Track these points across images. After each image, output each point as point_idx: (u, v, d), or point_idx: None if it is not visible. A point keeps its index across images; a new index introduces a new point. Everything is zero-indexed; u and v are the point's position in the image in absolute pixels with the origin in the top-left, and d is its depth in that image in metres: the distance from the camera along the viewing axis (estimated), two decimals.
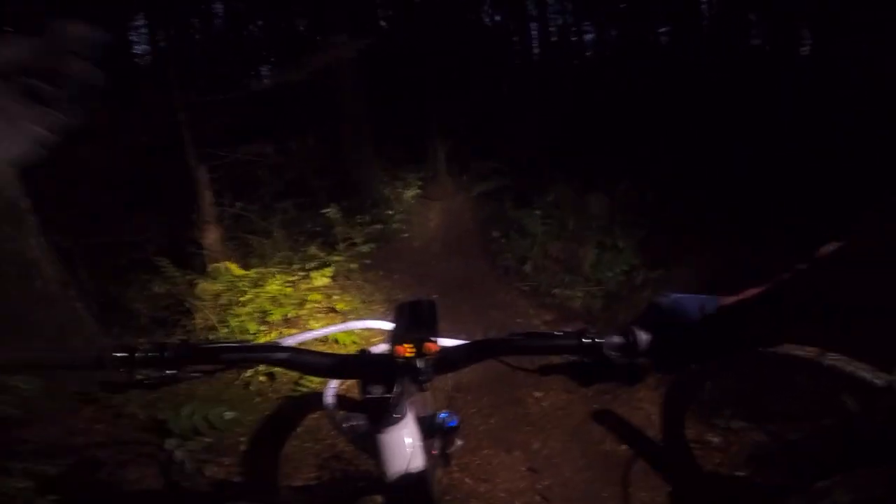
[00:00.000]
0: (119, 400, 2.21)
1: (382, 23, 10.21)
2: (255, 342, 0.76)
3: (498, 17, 11.65)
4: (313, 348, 0.79)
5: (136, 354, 0.68)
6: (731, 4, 8.76)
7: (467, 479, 2.20)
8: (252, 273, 4.02)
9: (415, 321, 0.77)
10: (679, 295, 0.69)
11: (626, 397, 2.70)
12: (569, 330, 0.71)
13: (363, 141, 6.02)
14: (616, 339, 0.67)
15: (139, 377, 0.68)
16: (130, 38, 8.04)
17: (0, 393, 1.78)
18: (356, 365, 0.73)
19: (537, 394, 2.87)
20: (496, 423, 2.62)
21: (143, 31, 8.14)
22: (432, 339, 0.71)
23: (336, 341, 3.50)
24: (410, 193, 5.85)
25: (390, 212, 5.54)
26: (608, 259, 4.76)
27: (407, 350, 0.69)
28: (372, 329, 1.02)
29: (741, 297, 0.65)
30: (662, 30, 10.49)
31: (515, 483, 2.16)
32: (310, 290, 4.20)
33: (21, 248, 2.70)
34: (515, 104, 7.77)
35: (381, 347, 0.83)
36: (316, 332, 1.04)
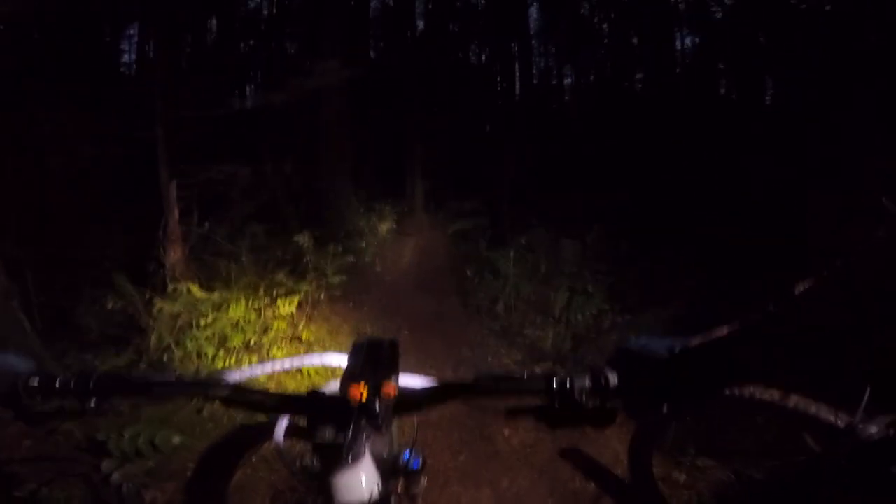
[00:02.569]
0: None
1: (372, 54, 10.49)
2: (194, 376, 0.70)
3: (484, 57, 12.19)
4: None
5: (58, 383, 0.61)
6: (702, 55, 9.38)
7: None
8: (214, 296, 3.86)
9: (372, 360, 0.71)
10: (647, 338, 0.68)
11: (595, 435, 2.65)
12: (537, 372, 0.69)
13: (342, 169, 6.03)
14: (586, 382, 0.64)
15: (59, 407, 0.62)
16: (121, 46, 8.03)
17: None
18: (305, 405, 0.67)
19: (506, 431, 2.79)
20: (465, 460, 2.52)
21: (134, 39, 8.14)
22: (391, 380, 0.66)
23: (300, 371, 3.36)
24: (385, 227, 5.83)
25: (363, 244, 5.49)
26: (579, 303, 4.80)
27: (362, 391, 0.63)
28: (330, 366, 0.93)
29: (708, 336, 0.66)
30: (638, 76, 11.11)
31: None
32: (275, 317, 4.07)
33: None
34: (496, 145, 7.96)
35: (334, 386, 0.77)
36: (265, 367, 0.93)
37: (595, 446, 2.55)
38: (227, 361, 3.37)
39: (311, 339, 4.04)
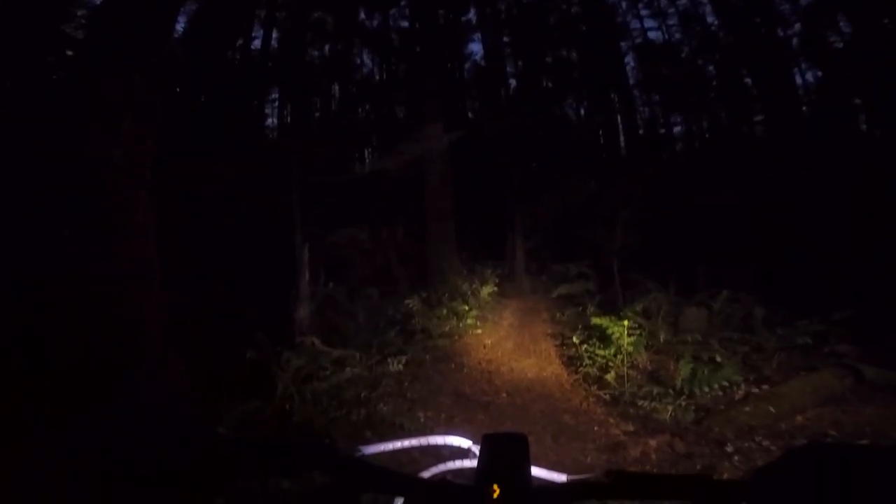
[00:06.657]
0: None
1: (470, 114, 11.00)
2: (330, 446, 0.68)
3: (583, 111, 12.05)
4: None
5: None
6: (832, 88, 8.28)
7: None
8: (334, 352, 4.22)
9: (504, 457, 0.69)
10: (855, 448, 0.49)
11: None
12: (687, 473, 0.61)
13: (447, 234, 6.37)
14: (749, 488, 0.53)
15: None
16: (265, 110, 9.60)
17: None
18: (437, 494, 0.65)
19: None
20: None
21: (275, 104, 9.74)
22: (525, 481, 0.65)
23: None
24: (487, 290, 5.88)
25: (466, 307, 5.59)
26: (704, 373, 4.33)
27: (495, 490, 0.62)
28: (453, 446, 0.94)
29: None
30: (758, 118, 10.07)
31: None
32: (384, 374, 4.30)
33: (144, 309, 3.07)
34: (603, 203, 7.55)
35: (460, 465, 0.78)
36: (394, 444, 0.98)
37: None
38: (340, 412, 3.60)
39: (415, 397, 4.16)
